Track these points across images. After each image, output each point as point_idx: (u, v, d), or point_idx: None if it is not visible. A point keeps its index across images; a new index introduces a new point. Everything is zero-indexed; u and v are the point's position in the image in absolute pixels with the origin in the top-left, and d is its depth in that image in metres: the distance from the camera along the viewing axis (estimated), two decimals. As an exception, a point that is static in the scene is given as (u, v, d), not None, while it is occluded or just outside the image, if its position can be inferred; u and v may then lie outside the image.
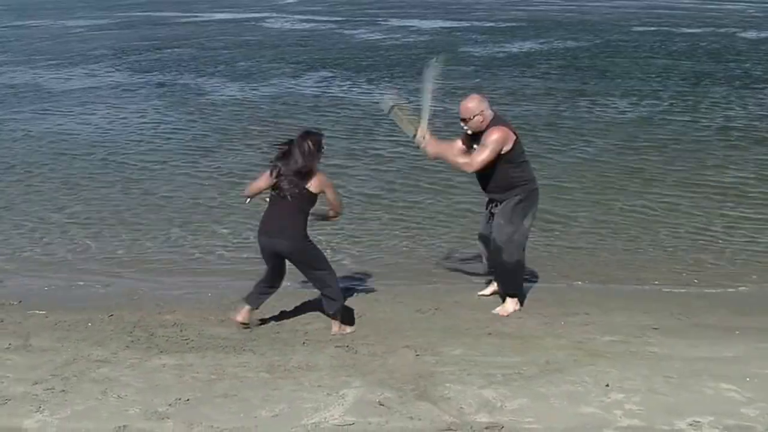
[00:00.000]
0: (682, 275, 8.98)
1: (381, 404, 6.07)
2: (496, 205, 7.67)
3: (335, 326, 7.40)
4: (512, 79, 20.47)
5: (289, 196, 7.08)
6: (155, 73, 22.40)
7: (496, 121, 7.53)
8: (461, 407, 6.03)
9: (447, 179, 11.82)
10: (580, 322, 7.60)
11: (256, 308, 7.54)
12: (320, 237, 9.86)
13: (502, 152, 7.43)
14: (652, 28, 29.94)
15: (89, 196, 11.97)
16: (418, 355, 6.92)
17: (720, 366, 6.67)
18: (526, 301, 8.06)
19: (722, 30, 29.50)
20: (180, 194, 11.96)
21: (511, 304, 7.87)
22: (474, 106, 7.49)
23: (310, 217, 7.39)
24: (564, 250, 9.72)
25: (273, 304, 8.01)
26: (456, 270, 9.09)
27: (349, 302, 7.91)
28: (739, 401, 6.10)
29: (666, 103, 17.54)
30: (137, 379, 6.51)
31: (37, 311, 8.02)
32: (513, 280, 7.87)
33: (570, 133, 14.98)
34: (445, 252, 9.65)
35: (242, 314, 7.47)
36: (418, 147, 7.69)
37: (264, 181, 7.27)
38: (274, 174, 7.15)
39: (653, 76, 20.74)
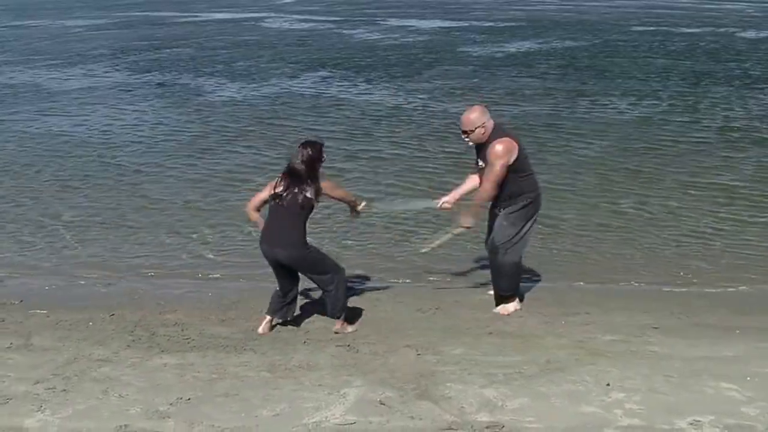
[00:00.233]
0: (682, 275, 8.99)
1: (382, 403, 6.08)
2: (501, 209, 7.67)
3: (337, 324, 7.42)
4: (511, 79, 20.47)
5: (286, 204, 7.15)
6: (154, 73, 22.40)
7: (497, 131, 7.54)
8: (462, 406, 6.04)
9: (446, 180, 11.81)
10: (581, 322, 7.61)
11: (281, 320, 7.54)
12: (324, 237, 9.93)
13: (509, 163, 7.45)
14: (651, 28, 29.95)
15: (89, 196, 11.96)
16: (419, 354, 6.93)
17: (720, 365, 6.68)
18: (526, 301, 8.08)
19: (721, 30, 29.52)
20: (180, 194, 11.95)
21: (511, 304, 7.88)
22: (476, 117, 7.48)
23: (351, 216, 7.70)
24: (564, 249, 9.73)
25: (274, 304, 8.04)
26: (457, 270, 9.09)
27: (350, 302, 7.91)
28: (739, 400, 6.12)
29: (665, 104, 17.54)
30: (138, 379, 6.52)
31: (39, 311, 8.02)
32: (508, 282, 7.86)
33: (569, 133, 14.98)
34: (445, 252, 9.65)
35: (263, 326, 7.46)
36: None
37: (267, 191, 7.34)
38: (277, 184, 7.23)
39: (652, 76, 20.75)
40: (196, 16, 36.51)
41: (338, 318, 7.43)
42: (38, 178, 12.85)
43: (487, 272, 8.28)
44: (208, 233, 10.39)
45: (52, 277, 9.09)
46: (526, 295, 8.25)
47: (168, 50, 26.41)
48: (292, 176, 7.19)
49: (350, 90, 19.53)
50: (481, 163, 7.62)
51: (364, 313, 7.80)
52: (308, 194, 7.15)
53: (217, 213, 11.13)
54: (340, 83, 20.37)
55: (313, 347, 7.11)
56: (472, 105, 7.86)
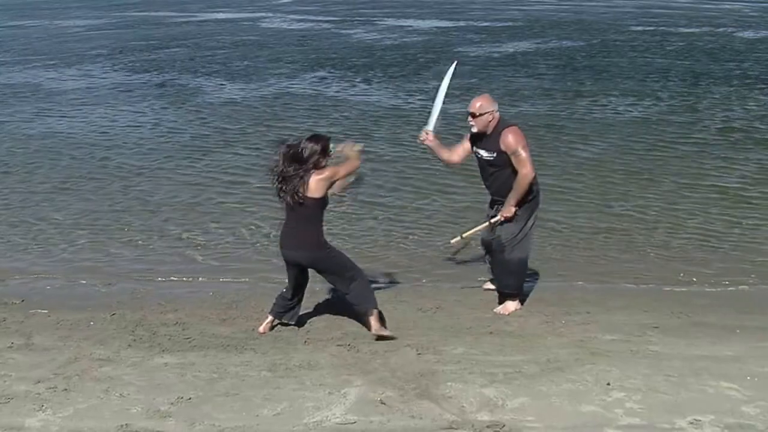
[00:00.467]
0: (682, 274, 9.00)
1: (382, 403, 6.10)
2: (502, 205, 7.67)
3: (373, 325, 7.23)
4: (509, 80, 20.47)
5: (291, 203, 7.00)
6: (152, 73, 22.37)
7: (504, 123, 7.59)
8: (463, 406, 6.06)
9: (446, 180, 11.84)
10: (581, 321, 7.63)
11: (279, 321, 7.48)
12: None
13: (510, 156, 7.48)
14: (650, 28, 29.96)
15: (89, 196, 11.95)
16: (419, 353, 6.94)
17: (720, 365, 6.70)
18: (527, 301, 8.10)
19: (720, 30, 29.53)
20: (179, 194, 11.94)
21: (512, 303, 7.89)
22: (485, 104, 7.53)
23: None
24: (564, 249, 9.73)
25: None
26: (457, 269, 9.10)
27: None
28: (739, 400, 6.13)
29: (665, 104, 17.54)
30: (139, 378, 6.54)
31: (40, 310, 8.04)
32: (514, 280, 7.87)
33: (569, 134, 14.99)
34: (446, 252, 9.66)
35: (264, 325, 7.43)
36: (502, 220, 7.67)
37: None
38: (276, 182, 7.05)
39: (651, 76, 20.74)
40: (194, 16, 36.50)
41: (370, 307, 7.23)
42: (37, 179, 12.83)
43: (487, 272, 8.32)
44: (208, 233, 10.38)
45: (53, 277, 9.09)
46: (526, 295, 8.26)
47: (166, 50, 26.40)
48: (287, 175, 6.98)
49: (348, 90, 19.52)
50: (483, 153, 7.59)
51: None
52: (311, 193, 6.96)
53: (217, 213, 11.12)
54: (338, 84, 20.36)
55: (314, 347, 7.12)
56: (482, 93, 7.90)
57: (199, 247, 9.94)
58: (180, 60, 24.42)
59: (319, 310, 7.93)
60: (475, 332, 7.38)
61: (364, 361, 6.80)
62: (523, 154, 7.41)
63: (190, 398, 6.20)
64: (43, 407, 6.08)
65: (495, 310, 7.87)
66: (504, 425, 5.78)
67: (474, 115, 7.52)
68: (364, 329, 7.37)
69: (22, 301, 8.33)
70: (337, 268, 7.20)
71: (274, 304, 7.42)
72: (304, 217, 7.04)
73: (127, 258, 9.69)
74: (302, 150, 6.93)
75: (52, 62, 24.40)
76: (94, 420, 5.92)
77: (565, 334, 7.34)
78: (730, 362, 6.76)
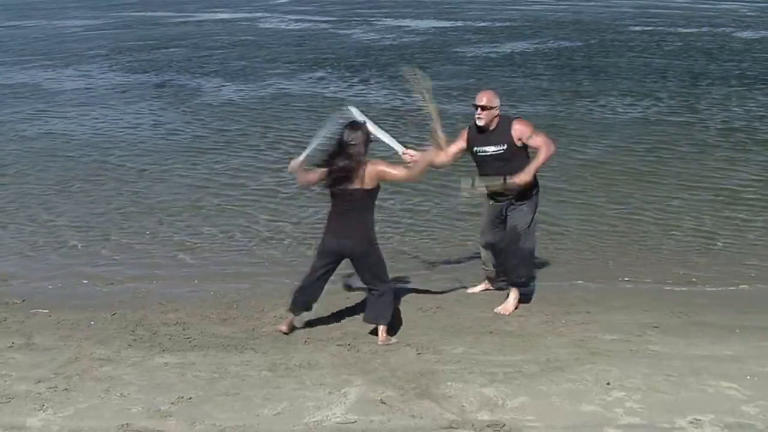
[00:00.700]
0: (682, 274, 9.00)
1: (383, 402, 6.10)
2: (514, 198, 7.72)
3: (381, 335, 7.19)
4: (507, 80, 20.46)
5: (343, 194, 6.91)
6: (150, 73, 22.37)
7: (507, 117, 7.75)
8: (463, 405, 6.06)
9: (446, 181, 11.82)
10: (581, 321, 7.63)
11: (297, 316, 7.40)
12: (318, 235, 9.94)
13: (526, 142, 7.61)
14: (648, 28, 29.97)
15: (89, 196, 11.94)
16: (419, 353, 6.95)
17: (720, 364, 6.70)
18: (527, 300, 8.10)
19: (718, 30, 29.52)
20: (179, 195, 11.95)
21: (512, 302, 7.90)
22: (493, 98, 7.64)
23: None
24: (565, 249, 9.74)
25: (275, 302, 8.05)
26: (458, 269, 9.10)
27: (351, 302, 7.93)
28: (739, 399, 6.14)
29: (664, 104, 17.56)
30: (140, 378, 6.54)
31: (40, 310, 8.03)
32: (526, 270, 7.94)
33: (569, 134, 14.97)
34: (446, 251, 9.68)
35: (284, 323, 7.35)
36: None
37: (315, 175, 7.07)
38: (326, 173, 6.95)
39: (650, 76, 20.76)
40: (192, 17, 36.51)
41: (381, 325, 7.18)
42: (36, 179, 12.83)
43: (495, 278, 8.32)
44: (207, 233, 10.38)
45: (53, 277, 9.09)
46: (527, 294, 8.26)
47: (164, 50, 26.41)
48: (338, 164, 6.87)
49: (347, 90, 19.51)
50: (490, 148, 7.63)
51: (364, 312, 7.78)
52: (365, 185, 6.89)
53: (217, 213, 11.13)
54: (336, 84, 20.36)
55: (314, 346, 7.12)
56: (486, 89, 7.99)
57: (199, 247, 9.95)
58: (178, 60, 24.43)
59: (319, 310, 7.92)
60: (475, 332, 7.38)
61: (365, 361, 6.80)
62: (539, 135, 7.61)
63: (190, 398, 6.20)
64: (44, 407, 6.08)
65: (496, 310, 7.87)
66: (504, 425, 5.79)
67: (484, 108, 7.57)
68: (364, 329, 7.36)
69: (23, 300, 8.33)
70: (377, 267, 7.15)
71: (292, 299, 7.31)
72: (357, 206, 6.96)
73: (127, 258, 9.68)
74: (353, 138, 6.89)
75: (50, 62, 24.40)
76: (95, 420, 5.92)
77: (565, 334, 7.34)
78: (730, 362, 6.76)
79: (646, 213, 10.91)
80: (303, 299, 7.30)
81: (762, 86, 19.34)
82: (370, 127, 7.37)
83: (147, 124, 16.44)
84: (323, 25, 32.28)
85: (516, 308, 7.89)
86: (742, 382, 6.38)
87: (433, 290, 8.45)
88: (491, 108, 7.57)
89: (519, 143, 7.62)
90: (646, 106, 17.29)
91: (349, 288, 8.33)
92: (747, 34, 28.42)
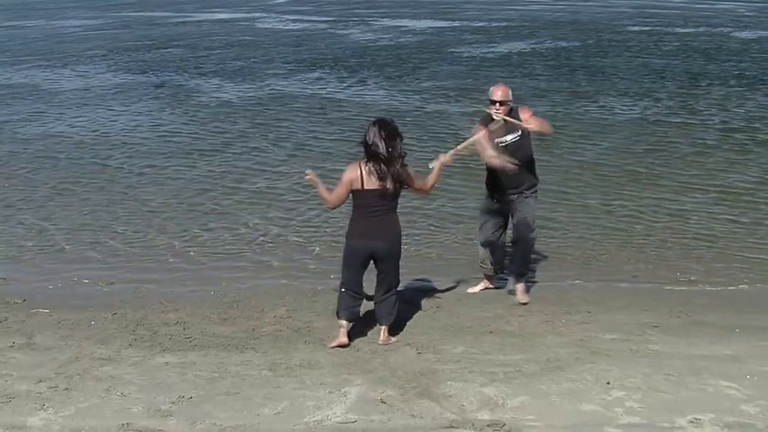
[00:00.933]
0: (681, 274, 9.00)
1: (383, 402, 6.12)
2: (524, 191, 7.88)
3: (383, 335, 7.19)
4: (505, 80, 20.31)
5: (391, 192, 6.84)
6: (148, 73, 22.32)
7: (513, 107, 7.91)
8: (463, 405, 6.07)
9: (444, 180, 11.82)
10: (581, 320, 7.65)
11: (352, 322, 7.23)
12: (324, 239, 9.95)
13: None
14: (646, 28, 29.95)
15: (89, 196, 11.93)
16: (419, 353, 6.96)
17: (720, 364, 6.72)
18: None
19: (716, 30, 29.52)
20: (178, 195, 11.93)
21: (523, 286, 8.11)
22: (509, 92, 7.89)
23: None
24: (564, 249, 9.74)
25: (275, 302, 8.07)
26: (458, 269, 9.10)
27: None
28: (739, 399, 6.15)
29: (663, 104, 17.54)
30: (140, 377, 6.55)
31: (41, 309, 8.05)
32: (531, 258, 8.30)
33: (568, 134, 14.92)
34: (446, 251, 9.68)
35: (343, 335, 7.10)
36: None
37: (347, 186, 6.94)
38: (365, 174, 6.84)
39: (648, 76, 20.74)
40: (189, 17, 36.46)
41: (385, 325, 7.17)
42: (35, 179, 12.82)
43: (494, 275, 8.34)
44: (207, 234, 10.38)
45: (54, 277, 9.09)
46: (527, 294, 8.27)
47: (162, 51, 26.35)
48: (379, 161, 6.80)
49: (345, 91, 19.49)
50: (508, 137, 7.80)
51: (364, 311, 7.80)
52: (406, 180, 6.87)
53: (216, 213, 11.12)
54: (334, 84, 20.33)
55: (314, 346, 7.13)
56: (498, 83, 8.22)
57: (199, 248, 9.94)
58: (176, 60, 24.39)
59: (319, 309, 7.94)
60: (475, 331, 7.39)
61: (365, 360, 6.82)
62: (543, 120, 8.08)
63: (191, 397, 6.22)
64: (45, 406, 6.09)
65: (522, 301, 7.98)
66: (504, 424, 5.80)
67: (502, 103, 7.77)
68: (365, 329, 7.39)
69: (24, 300, 8.34)
70: (397, 266, 7.16)
71: (342, 306, 7.12)
72: (392, 206, 6.95)
73: (128, 258, 9.69)
74: (391, 131, 6.83)
75: (48, 63, 24.36)
76: (96, 419, 5.93)
77: (565, 334, 7.36)
78: (730, 361, 6.78)
79: (645, 213, 10.92)
80: (350, 304, 7.14)
81: (761, 86, 19.33)
82: None
83: (145, 125, 16.42)
84: (321, 25, 32.26)
85: None
86: (742, 382, 6.39)
87: (433, 290, 8.45)
88: (509, 102, 7.82)
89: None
90: (644, 107, 17.29)
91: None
92: (745, 34, 28.41)
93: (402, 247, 7.23)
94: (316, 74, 21.67)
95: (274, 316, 7.77)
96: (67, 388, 6.36)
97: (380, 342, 7.16)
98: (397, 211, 7.12)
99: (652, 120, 16.12)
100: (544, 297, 8.23)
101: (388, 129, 6.85)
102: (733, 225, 10.49)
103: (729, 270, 9.10)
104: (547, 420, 5.87)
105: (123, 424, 5.84)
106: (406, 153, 6.94)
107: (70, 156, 14.12)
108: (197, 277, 9.08)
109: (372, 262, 7.15)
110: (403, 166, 6.87)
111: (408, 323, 7.57)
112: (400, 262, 7.27)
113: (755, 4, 37.90)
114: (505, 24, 31.72)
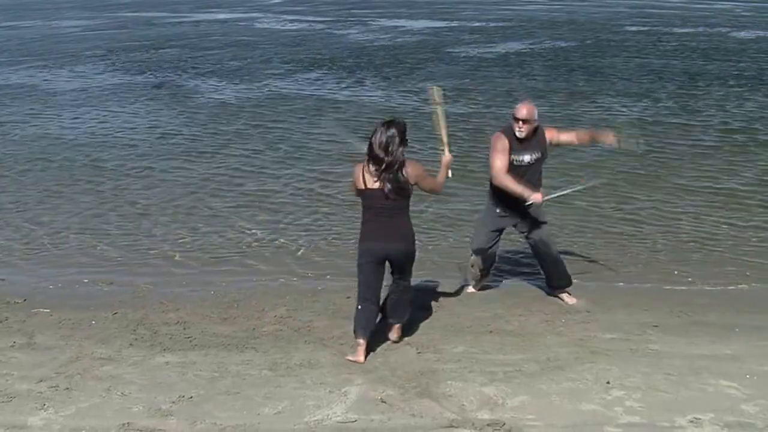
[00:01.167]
0: (682, 273, 9.01)
1: (383, 401, 6.13)
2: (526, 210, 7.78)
3: (396, 333, 7.16)
4: (503, 80, 20.43)
5: (391, 195, 6.69)
6: (146, 74, 22.26)
7: (539, 127, 7.82)
8: (463, 404, 6.09)
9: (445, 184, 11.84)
10: (581, 320, 7.66)
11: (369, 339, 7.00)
12: (323, 240, 9.96)
13: (558, 141, 7.94)
14: (644, 28, 29.95)
15: (88, 197, 11.90)
16: (419, 352, 6.97)
17: (720, 363, 6.73)
18: (527, 300, 8.14)
19: (714, 30, 29.52)
20: (178, 195, 11.91)
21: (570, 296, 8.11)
22: (535, 111, 7.69)
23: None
24: (564, 249, 9.73)
25: (275, 302, 8.08)
26: (458, 268, 9.11)
27: (351, 301, 7.93)
28: (739, 398, 6.17)
29: (661, 105, 17.53)
30: (141, 377, 6.56)
31: (42, 309, 8.05)
32: (565, 268, 8.13)
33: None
34: (446, 251, 9.69)
35: (360, 354, 6.86)
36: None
37: (353, 184, 6.89)
38: (366, 174, 6.74)
39: (647, 76, 20.73)
40: (186, 17, 36.41)
41: (401, 322, 7.15)
42: (33, 180, 12.81)
43: (488, 270, 8.35)
44: (207, 234, 10.37)
45: (54, 277, 9.09)
46: (527, 294, 8.30)
47: (160, 51, 26.31)
48: (377, 163, 6.68)
49: (342, 92, 19.46)
50: (527, 157, 7.68)
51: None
52: (409, 179, 6.73)
53: (216, 213, 11.12)
54: (331, 84, 20.31)
55: (315, 346, 7.14)
56: (524, 100, 8.07)
57: (199, 248, 9.94)
58: (173, 61, 24.36)
59: (319, 309, 7.95)
60: (475, 331, 7.40)
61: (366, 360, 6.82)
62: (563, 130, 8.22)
63: (191, 397, 6.23)
64: (45, 406, 6.11)
65: (572, 303, 8.01)
66: (504, 424, 5.82)
67: (525, 121, 7.61)
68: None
69: (25, 300, 8.34)
70: (411, 267, 7.06)
71: (360, 324, 6.90)
72: (398, 206, 6.77)
73: (128, 258, 9.68)
74: (394, 135, 6.66)
75: (45, 63, 24.32)
76: (96, 419, 5.94)
77: (565, 333, 7.37)
78: (730, 361, 6.79)
79: (645, 213, 10.92)
80: (367, 320, 6.94)
81: (760, 86, 19.33)
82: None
83: (143, 126, 16.40)
84: (318, 26, 32.24)
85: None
86: (742, 381, 6.41)
87: (434, 290, 8.46)
88: (535, 120, 7.65)
89: (550, 149, 7.88)
90: (643, 107, 17.29)
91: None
92: (743, 34, 28.42)
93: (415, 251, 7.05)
94: (313, 75, 21.66)
95: (275, 316, 7.78)
96: (67, 388, 6.38)
97: (394, 338, 7.13)
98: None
99: (651, 120, 16.12)
100: (544, 297, 8.23)
101: (392, 132, 6.69)
102: (732, 225, 10.48)
103: (729, 270, 9.09)
104: (547, 419, 5.88)
105: (123, 424, 5.86)
106: (402, 161, 6.70)
107: (67, 157, 14.09)
108: (197, 276, 9.08)
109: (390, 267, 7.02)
110: (400, 170, 6.66)
111: (408, 323, 7.55)
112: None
113: (753, 4, 37.92)
114: (502, 24, 31.71)
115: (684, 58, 23.41)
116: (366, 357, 6.86)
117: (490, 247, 8.04)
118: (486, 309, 7.89)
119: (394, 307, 7.14)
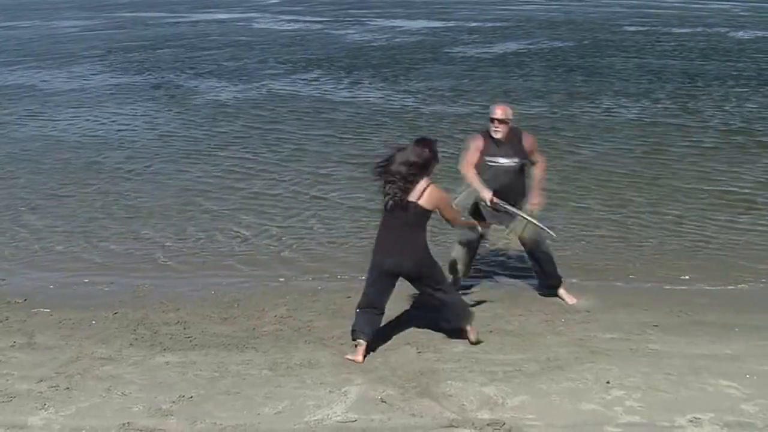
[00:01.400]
0: (681, 273, 9.02)
1: (383, 401, 6.14)
2: (518, 201, 7.82)
3: (471, 332, 7.11)
4: (501, 81, 20.43)
5: (391, 208, 6.69)
6: (144, 74, 22.25)
7: (515, 129, 7.83)
8: (463, 404, 6.09)
9: (444, 182, 11.82)
10: (581, 320, 7.66)
11: (370, 340, 6.96)
12: (323, 240, 9.96)
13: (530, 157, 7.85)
14: (642, 28, 29.95)
15: (87, 198, 11.88)
16: (419, 352, 6.98)
17: (720, 363, 6.74)
18: (527, 299, 8.14)
19: (712, 30, 29.53)
20: (177, 195, 11.90)
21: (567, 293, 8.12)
22: (510, 111, 7.77)
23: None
24: (564, 249, 9.73)
25: (275, 302, 8.08)
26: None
27: (351, 301, 7.93)
28: (738, 398, 6.18)
29: (661, 105, 17.53)
30: (141, 377, 6.56)
31: (42, 309, 8.05)
32: (555, 268, 8.13)
33: (565, 135, 14.93)
34: (445, 251, 9.68)
35: (359, 354, 6.85)
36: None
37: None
38: (381, 184, 6.73)
39: (645, 77, 20.74)
40: (184, 17, 36.41)
41: (469, 325, 7.10)
42: (32, 180, 12.79)
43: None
44: (207, 234, 10.37)
45: (54, 277, 9.09)
46: (527, 294, 8.30)
47: (158, 51, 26.30)
48: (391, 180, 6.67)
49: (340, 92, 19.45)
50: (503, 160, 7.72)
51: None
52: (422, 203, 6.67)
53: (215, 214, 11.10)
54: (329, 85, 20.29)
55: (315, 345, 7.14)
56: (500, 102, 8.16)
57: (199, 248, 9.95)
58: (171, 61, 24.35)
59: (319, 309, 7.95)
60: (476, 331, 7.39)
61: (365, 360, 6.82)
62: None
63: (191, 397, 6.23)
64: (46, 406, 6.11)
65: (573, 303, 8.00)
66: (504, 423, 5.82)
67: (501, 121, 7.68)
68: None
69: (25, 300, 8.34)
70: (437, 276, 6.94)
71: (360, 325, 6.89)
72: (407, 221, 6.69)
73: (129, 256, 9.69)
74: (414, 154, 6.65)
75: (43, 63, 24.30)
76: (96, 418, 5.94)
77: (564, 333, 7.37)
78: (730, 361, 6.80)
79: (644, 213, 10.92)
80: (367, 323, 6.91)
81: (759, 86, 19.35)
82: None
83: (141, 126, 16.39)
84: (315, 26, 32.24)
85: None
86: (742, 381, 6.41)
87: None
88: (509, 120, 7.71)
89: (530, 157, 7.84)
90: (642, 107, 17.29)
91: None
92: (741, 34, 28.44)
93: (433, 265, 6.94)
94: (311, 75, 21.65)
95: (275, 316, 7.78)
96: (67, 388, 6.38)
97: (473, 340, 7.06)
98: (425, 230, 6.89)
99: (650, 121, 16.13)
100: (544, 297, 8.23)
101: (408, 151, 6.69)
102: (732, 225, 10.48)
103: (729, 270, 9.09)
104: (547, 419, 5.89)
105: (123, 424, 5.86)
106: (408, 179, 6.64)
107: (66, 157, 14.09)
108: (198, 276, 9.07)
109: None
110: (406, 188, 6.61)
111: (408, 322, 7.57)
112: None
113: (751, 4, 37.95)
114: (499, 24, 31.72)
115: (682, 59, 23.42)
116: (365, 357, 6.86)
117: (475, 239, 8.03)
118: (486, 309, 7.88)
119: (446, 316, 7.06)
